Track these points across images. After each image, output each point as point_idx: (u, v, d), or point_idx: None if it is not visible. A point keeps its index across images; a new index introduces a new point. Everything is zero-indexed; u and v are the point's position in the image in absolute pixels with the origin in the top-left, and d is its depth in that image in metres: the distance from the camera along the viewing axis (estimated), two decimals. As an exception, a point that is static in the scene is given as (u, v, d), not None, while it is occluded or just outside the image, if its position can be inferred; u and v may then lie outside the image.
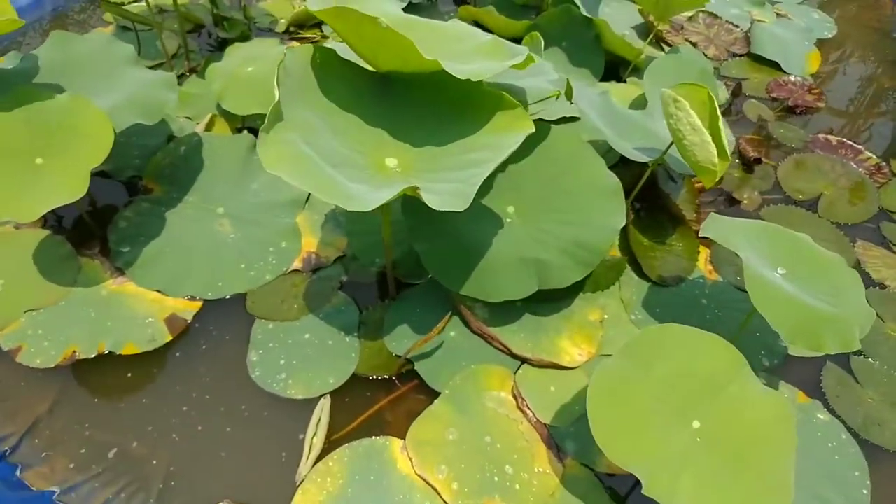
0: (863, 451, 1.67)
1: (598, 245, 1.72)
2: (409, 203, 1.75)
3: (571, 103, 1.88)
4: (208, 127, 2.39)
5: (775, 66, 3.01)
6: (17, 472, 1.50)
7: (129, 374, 1.70)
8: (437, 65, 1.28)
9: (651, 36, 2.66)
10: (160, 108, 1.89)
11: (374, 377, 1.74)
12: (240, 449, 1.59)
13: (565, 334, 1.84)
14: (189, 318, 1.82)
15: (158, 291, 1.86)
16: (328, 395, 1.64)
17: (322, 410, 1.57)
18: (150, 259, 1.93)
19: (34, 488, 1.48)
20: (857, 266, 2.16)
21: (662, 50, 2.97)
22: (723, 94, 2.78)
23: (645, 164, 2.05)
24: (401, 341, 1.79)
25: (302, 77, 1.41)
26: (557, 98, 1.90)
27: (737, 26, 3.19)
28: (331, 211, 2.13)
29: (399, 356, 1.75)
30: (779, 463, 1.28)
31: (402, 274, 1.96)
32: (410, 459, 1.57)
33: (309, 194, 2.16)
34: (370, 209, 1.21)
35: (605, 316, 1.90)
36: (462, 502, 1.51)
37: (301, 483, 1.52)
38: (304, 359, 1.76)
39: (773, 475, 1.26)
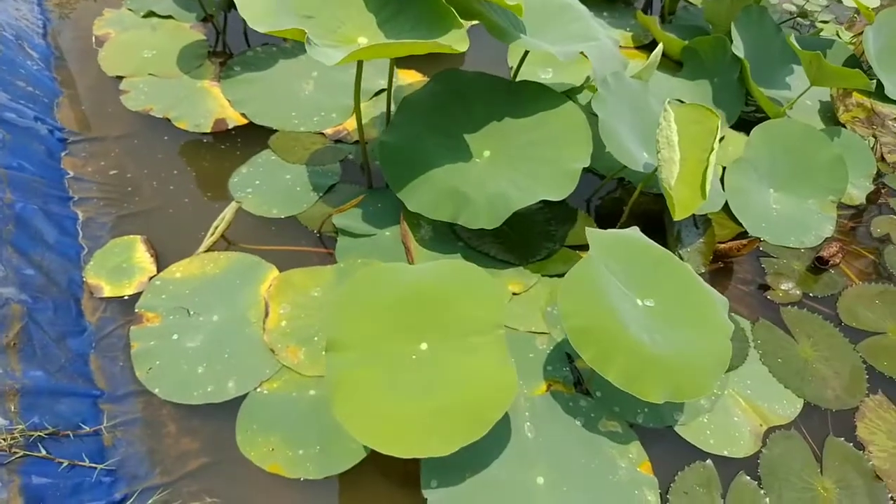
0: (659, 547, 1.47)
1: (513, 203, 1.73)
2: (406, 102, 1.96)
3: (594, 92, 1.86)
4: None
5: (960, 200, 2.42)
6: (62, 153, 2.11)
7: (166, 137, 2.22)
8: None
9: (796, 99, 2.36)
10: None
11: (308, 228, 2.00)
12: (181, 214, 2.00)
13: (472, 284, 1.88)
14: (231, 126, 2.28)
15: (229, 101, 2.36)
16: (237, 202, 1.96)
17: (229, 210, 1.89)
18: (243, 81, 2.43)
19: (61, 166, 2.07)
20: (851, 412, 1.76)
21: (833, 126, 2.58)
22: (858, 195, 2.35)
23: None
24: (347, 215, 2.02)
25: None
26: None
27: (956, 148, 2.61)
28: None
29: (331, 217, 1.99)
30: (466, 425, 1.24)
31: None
32: (270, 287, 1.82)
33: (381, 90, 2.47)
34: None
35: (524, 292, 1.89)
36: (276, 334, 1.72)
37: (195, 255, 1.88)
38: (270, 188, 2.09)
39: (455, 430, 1.24)
